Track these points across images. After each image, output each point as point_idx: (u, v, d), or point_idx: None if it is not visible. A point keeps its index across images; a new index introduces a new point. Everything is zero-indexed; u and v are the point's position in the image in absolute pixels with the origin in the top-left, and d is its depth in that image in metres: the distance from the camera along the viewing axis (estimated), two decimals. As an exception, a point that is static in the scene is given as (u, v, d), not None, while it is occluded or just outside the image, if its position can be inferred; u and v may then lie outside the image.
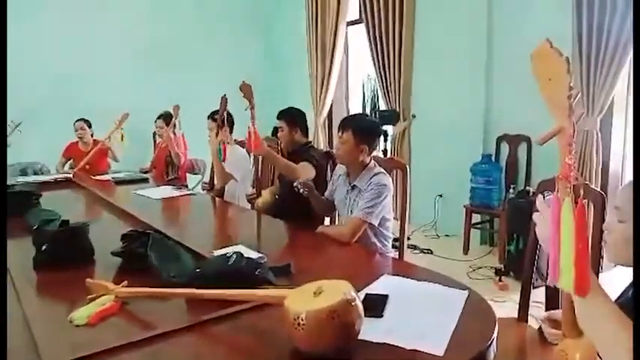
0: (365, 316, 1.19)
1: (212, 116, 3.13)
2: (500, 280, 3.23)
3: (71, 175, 3.79)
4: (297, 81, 5.89)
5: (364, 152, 2.11)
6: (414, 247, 4.02)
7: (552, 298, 1.67)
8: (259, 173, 3.05)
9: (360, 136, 2.10)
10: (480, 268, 3.55)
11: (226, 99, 2.74)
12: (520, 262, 3.12)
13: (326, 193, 2.38)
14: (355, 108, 5.65)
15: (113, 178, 3.66)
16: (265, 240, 2.11)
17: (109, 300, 1.35)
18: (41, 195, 2.71)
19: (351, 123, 2.16)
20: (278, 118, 2.76)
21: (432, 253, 3.95)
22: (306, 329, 0.97)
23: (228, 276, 1.35)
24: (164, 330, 1.19)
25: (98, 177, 3.75)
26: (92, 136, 4.37)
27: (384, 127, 4.42)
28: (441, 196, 4.40)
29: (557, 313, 1.30)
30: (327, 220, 2.64)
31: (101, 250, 1.73)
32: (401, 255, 2.20)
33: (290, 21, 6.02)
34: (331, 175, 2.66)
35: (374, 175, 2.07)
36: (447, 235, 4.32)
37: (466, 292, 1.35)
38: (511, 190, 3.64)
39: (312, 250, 1.92)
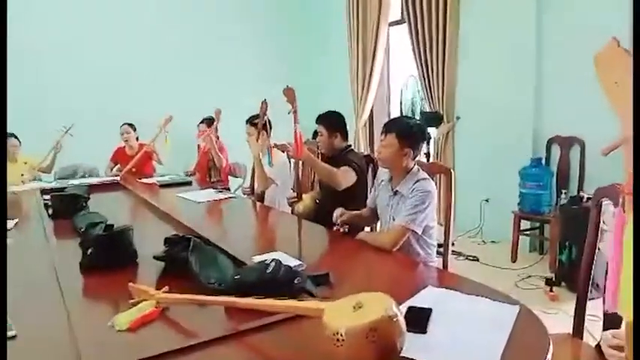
0: (408, 330, 1.14)
1: (251, 121, 3.14)
2: (551, 291, 3.07)
3: (119, 178, 3.92)
4: (337, 83, 5.86)
5: (408, 156, 2.05)
6: (459, 254, 3.90)
7: (611, 313, 1.55)
8: (300, 177, 3.03)
9: (404, 139, 2.03)
10: (530, 277, 3.39)
11: (266, 103, 2.74)
12: (572, 271, 2.99)
13: (368, 200, 2.33)
14: (397, 110, 5.56)
15: (158, 181, 3.75)
16: (305, 246, 2.08)
17: (151, 306, 1.35)
18: (89, 197, 2.80)
19: (396, 125, 2.09)
20: (317, 122, 2.73)
21: (477, 260, 3.81)
22: (345, 346, 0.93)
23: (266, 284, 1.33)
24: (202, 339, 1.18)
25: (144, 180, 3.84)
26: (137, 139, 4.49)
27: (428, 130, 4.32)
28: (487, 200, 4.25)
29: (620, 333, 1.20)
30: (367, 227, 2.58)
31: (145, 253, 1.74)
32: (445, 264, 2.12)
33: (331, 23, 5.99)
34: (373, 179, 2.61)
35: (417, 181, 2.00)
36: (493, 242, 4.16)
37: (517, 308, 1.27)
38: (563, 196, 3.46)
39: (352, 258, 1.87)
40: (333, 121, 2.73)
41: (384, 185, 2.18)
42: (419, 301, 1.33)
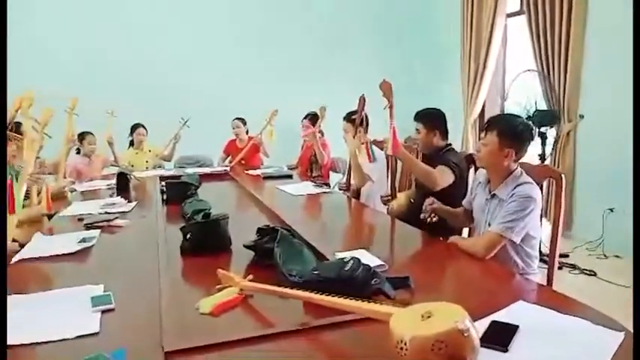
0: (487, 346, 1.05)
1: (348, 117, 3.13)
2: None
3: (228, 169, 4.18)
4: (444, 79, 5.63)
5: (509, 157, 1.89)
6: (573, 267, 3.53)
7: None
8: (396, 175, 2.97)
9: (506, 138, 1.88)
10: (658, 300, 2.95)
11: (364, 99, 2.71)
12: None
13: (464, 202, 2.20)
14: (512, 107, 5.18)
15: (263, 173, 3.92)
16: (392, 247, 2.03)
17: (234, 292, 1.42)
18: (199, 186, 3.02)
19: (497, 123, 1.94)
20: (415, 119, 2.63)
21: (595, 275, 3.42)
22: (408, 355, 0.88)
23: (342, 282, 1.31)
24: (278, 330, 1.21)
25: (250, 171, 4.05)
26: (247, 133, 4.75)
27: (543, 129, 3.96)
28: (611, 210, 3.79)
29: None
30: (465, 231, 2.44)
31: (239, 241, 1.82)
32: (550, 278, 1.91)
33: (439, 14, 5.77)
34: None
35: (519, 185, 1.83)
36: (616, 256, 3.71)
37: (622, 335, 1.10)
38: None
39: (440, 263, 1.78)
40: (431, 118, 2.62)
41: (481, 187, 2.04)
42: (506, 315, 1.22)
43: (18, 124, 2.39)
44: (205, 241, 1.84)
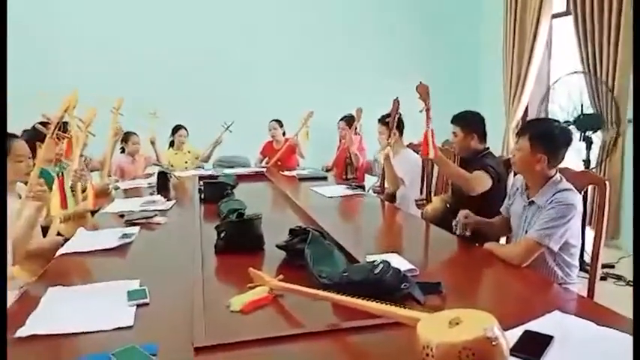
0: (518, 356, 1.03)
1: (382, 120, 3.11)
2: None
3: (264, 170, 4.24)
4: (486, 80, 5.50)
5: (542, 162, 1.82)
6: (618, 278, 3.38)
7: None
8: (432, 178, 2.92)
9: (538, 143, 1.82)
10: None
11: (399, 102, 2.68)
12: None
13: (501, 208, 2.14)
14: (556, 111, 5.00)
15: (298, 174, 3.95)
16: (425, 251, 2.00)
17: (265, 291, 1.43)
18: (235, 186, 3.07)
19: (530, 128, 1.89)
20: (452, 122, 2.58)
21: (642, 287, 3.25)
22: (435, 361, 0.87)
23: (371, 285, 1.31)
24: (306, 330, 1.22)
25: (286, 173, 4.09)
26: (284, 134, 4.80)
27: (588, 134, 3.81)
28: (661, 220, 3.59)
29: None
30: (503, 238, 2.38)
31: (272, 241, 1.84)
32: (591, 289, 1.84)
33: (481, 15, 5.64)
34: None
35: (558, 192, 1.77)
36: (667, 268, 3.51)
37: (666, 352, 1.05)
38: None
39: (474, 269, 1.74)
40: (469, 121, 2.56)
41: (519, 193, 1.98)
42: (541, 325, 1.18)
43: (65, 124, 2.51)
44: (238, 240, 1.87)
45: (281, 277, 1.49)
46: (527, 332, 1.14)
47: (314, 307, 1.37)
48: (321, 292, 1.34)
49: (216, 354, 1.11)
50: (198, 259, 1.75)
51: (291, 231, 1.80)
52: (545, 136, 1.83)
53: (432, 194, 2.80)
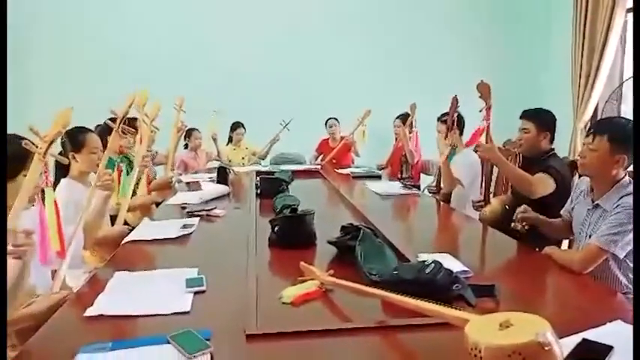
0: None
1: (441, 118, 3.05)
2: None
3: (320, 167, 4.28)
4: (553, 78, 5.23)
5: (620, 165, 1.72)
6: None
7: None
8: (491, 179, 2.83)
9: (619, 144, 1.71)
10: None
11: (457, 100, 2.62)
12: None
13: (562, 211, 2.04)
14: (628, 112, 4.69)
15: (352, 172, 3.96)
16: (480, 253, 1.95)
17: (314, 285, 1.46)
18: (291, 182, 3.13)
19: (609, 127, 1.78)
20: (525, 117, 2.44)
21: None
22: (483, 364, 0.85)
23: (422, 285, 1.30)
24: (355, 325, 1.23)
25: (341, 170, 4.11)
26: (340, 132, 4.82)
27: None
28: None
29: None
30: (565, 243, 2.27)
31: (324, 236, 1.87)
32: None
33: (551, 8, 5.37)
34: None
35: (626, 195, 1.67)
36: None
37: None
38: None
39: (531, 274, 1.68)
40: (545, 119, 2.42)
41: (583, 196, 1.88)
42: (600, 335, 1.13)
43: (133, 119, 2.66)
44: (291, 235, 1.91)
45: (331, 272, 1.51)
46: (584, 341, 1.09)
47: (363, 304, 1.37)
48: (370, 289, 1.34)
49: (266, 342, 1.15)
50: (252, 251, 1.81)
51: (343, 228, 1.82)
52: (627, 137, 1.71)
53: (491, 196, 2.72)
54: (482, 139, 2.34)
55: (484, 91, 2.36)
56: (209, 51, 5.39)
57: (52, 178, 1.65)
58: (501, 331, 0.89)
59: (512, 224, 2.01)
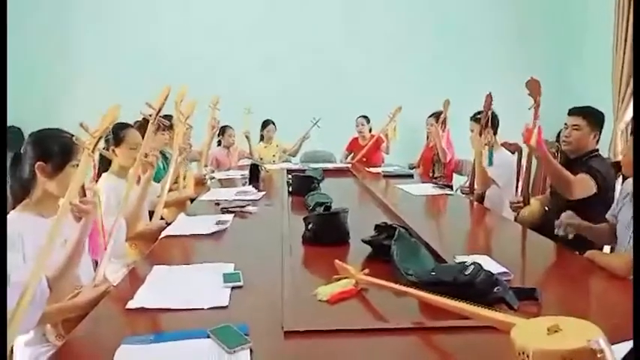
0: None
1: (474, 117, 2.99)
2: None
3: (350, 165, 4.27)
4: (592, 76, 5.06)
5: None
6: None
7: None
8: (530, 180, 2.75)
9: None
10: None
11: (491, 97, 2.56)
12: None
13: (607, 214, 1.97)
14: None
15: (383, 171, 3.93)
16: (519, 255, 1.90)
17: (350, 284, 1.45)
18: (322, 180, 3.13)
19: None
20: (576, 114, 2.33)
21: None
22: (531, 370, 0.83)
23: (460, 286, 1.27)
24: (391, 326, 1.22)
25: (372, 169, 4.08)
26: (370, 131, 4.79)
27: None
28: None
29: None
30: (607, 247, 2.19)
31: (357, 235, 1.86)
32: None
33: (587, 6, 5.21)
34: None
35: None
36: None
37: None
38: None
39: (574, 278, 1.62)
40: (598, 117, 2.33)
41: (629, 199, 1.81)
42: (651, 343, 1.08)
43: (169, 116, 2.71)
44: (325, 232, 1.91)
45: (367, 271, 1.50)
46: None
47: (399, 304, 1.36)
48: (409, 289, 1.32)
49: (304, 339, 1.15)
50: (286, 247, 1.81)
51: (377, 227, 1.80)
52: None
53: (530, 196, 2.65)
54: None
55: (534, 88, 2.28)
56: (243, 50, 5.45)
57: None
58: (550, 335, 0.86)
59: (556, 230, 1.95)
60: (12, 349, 1.42)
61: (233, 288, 1.42)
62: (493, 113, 2.81)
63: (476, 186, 3.06)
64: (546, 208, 2.42)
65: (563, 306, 1.36)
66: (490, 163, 2.76)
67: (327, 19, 5.55)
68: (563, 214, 1.96)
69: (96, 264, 1.67)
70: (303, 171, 3.50)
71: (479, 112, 2.92)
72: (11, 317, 1.02)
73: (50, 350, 1.37)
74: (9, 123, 5.15)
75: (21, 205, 1.47)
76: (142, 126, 2.53)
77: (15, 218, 1.43)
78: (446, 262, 1.59)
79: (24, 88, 5.16)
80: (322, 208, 2.03)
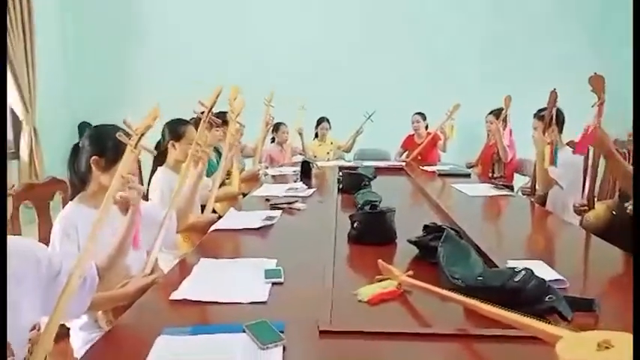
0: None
1: (538, 114, 2.82)
2: None
3: (404, 164, 4.18)
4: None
5: None
6: None
7: None
8: (596, 181, 2.57)
9: None
10: None
11: (556, 94, 2.40)
12: None
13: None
14: None
15: (438, 170, 3.82)
16: (579, 263, 1.77)
17: (392, 285, 1.41)
18: (373, 178, 3.09)
19: None
20: None
21: None
22: (577, 387, 0.76)
23: (509, 293, 1.20)
24: (434, 331, 1.18)
25: (426, 167, 3.98)
26: (427, 128, 4.67)
27: None
28: None
29: None
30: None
31: (404, 235, 1.81)
32: None
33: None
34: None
35: None
36: None
37: None
38: None
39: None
40: None
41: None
42: None
43: (223, 113, 2.77)
44: (371, 231, 1.88)
45: (410, 272, 1.45)
46: None
47: (443, 308, 1.30)
48: (453, 295, 1.26)
49: (340, 340, 1.13)
50: (332, 245, 1.80)
51: (425, 227, 1.74)
52: None
53: (596, 200, 2.47)
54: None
55: (597, 84, 2.13)
56: (297, 49, 5.50)
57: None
58: (599, 352, 0.78)
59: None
60: (68, 332, 1.50)
61: (273, 284, 1.42)
62: (558, 110, 2.64)
63: (537, 187, 2.89)
64: (613, 213, 2.25)
65: (623, 320, 1.24)
66: (554, 162, 2.60)
67: (385, 18, 5.47)
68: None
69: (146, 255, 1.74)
70: (355, 168, 3.47)
71: (543, 109, 2.76)
72: (58, 301, 1.08)
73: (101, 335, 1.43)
74: (81, 119, 5.55)
75: (78, 197, 1.55)
76: (197, 123, 2.62)
77: (71, 210, 1.51)
78: (497, 267, 1.51)
79: (95, 87, 5.52)
80: (369, 207, 1.99)
